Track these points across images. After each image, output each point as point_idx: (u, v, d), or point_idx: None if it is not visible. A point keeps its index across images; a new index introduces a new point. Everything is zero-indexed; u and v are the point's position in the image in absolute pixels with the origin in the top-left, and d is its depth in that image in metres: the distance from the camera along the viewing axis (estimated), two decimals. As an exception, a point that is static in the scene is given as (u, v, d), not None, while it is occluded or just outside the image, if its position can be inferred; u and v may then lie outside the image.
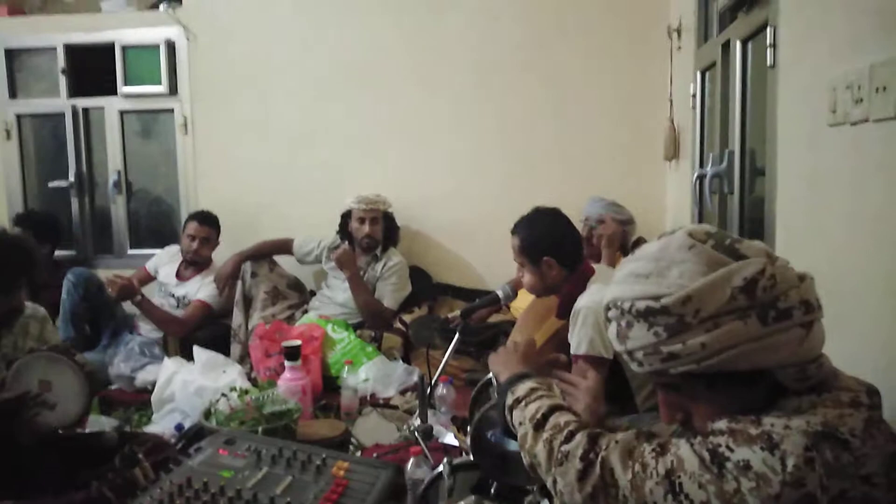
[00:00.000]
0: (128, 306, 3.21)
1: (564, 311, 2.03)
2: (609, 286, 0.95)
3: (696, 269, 0.85)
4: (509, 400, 1.16)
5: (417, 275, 3.53)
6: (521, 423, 1.09)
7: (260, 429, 1.93)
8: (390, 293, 3.27)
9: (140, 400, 2.70)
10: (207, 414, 2.12)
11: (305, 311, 3.29)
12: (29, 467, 1.79)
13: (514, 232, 2.11)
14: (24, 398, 1.78)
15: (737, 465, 0.78)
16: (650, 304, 0.86)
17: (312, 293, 3.52)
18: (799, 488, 0.75)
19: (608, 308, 0.94)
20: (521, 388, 1.15)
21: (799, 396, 0.85)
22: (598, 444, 0.94)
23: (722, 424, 0.83)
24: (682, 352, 0.84)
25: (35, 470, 1.79)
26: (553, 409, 1.06)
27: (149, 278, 3.49)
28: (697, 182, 2.46)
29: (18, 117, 3.96)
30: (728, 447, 0.80)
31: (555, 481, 0.96)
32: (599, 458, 0.91)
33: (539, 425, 1.04)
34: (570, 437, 0.97)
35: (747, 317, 0.82)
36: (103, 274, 3.23)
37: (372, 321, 3.19)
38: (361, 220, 3.30)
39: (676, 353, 0.85)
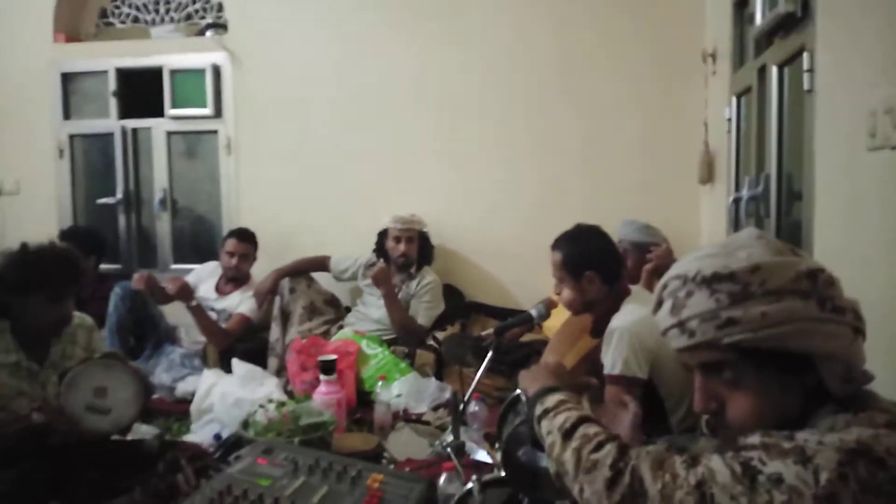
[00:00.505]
0: (172, 317, 3.32)
1: (598, 329, 2.03)
2: (672, 267, 0.98)
3: (764, 253, 0.90)
4: (538, 411, 1.14)
5: (451, 293, 3.56)
6: (549, 433, 1.08)
7: (297, 440, 1.97)
8: (424, 311, 3.31)
9: (180, 410, 2.77)
10: (245, 424, 2.16)
11: (341, 327, 3.34)
12: (73, 472, 1.85)
13: (555, 247, 2.09)
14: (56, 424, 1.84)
15: (769, 478, 0.78)
16: (718, 270, 0.89)
17: (348, 309, 3.58)
18: (832, 503, 0.74)
19: (665, 286, 0.96)
20: (551, 400, 1.14)
21: (834, 415, 0.84)
22: (628, 454, 0.93)
23: (755, 439, 0.83)
24: (742, 318, 0.86)
25: (79, 474, 1.86)
26: (582, 420, 1.05)
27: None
28: (733, 205, 2.46)
29: (71, 137, 4.14)
30: (760, 460, 0.80)
31: (581, 489, 0.95)
32: (629, 467, 0.90)
33: (568, 434, 1.03)
34: (599, 447, 0.97)
35: (808, 299, 0.86)
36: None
37: (406, 338, 3.23)
38: (397, 239, 3.36)
39: (736, 320, 0.87)
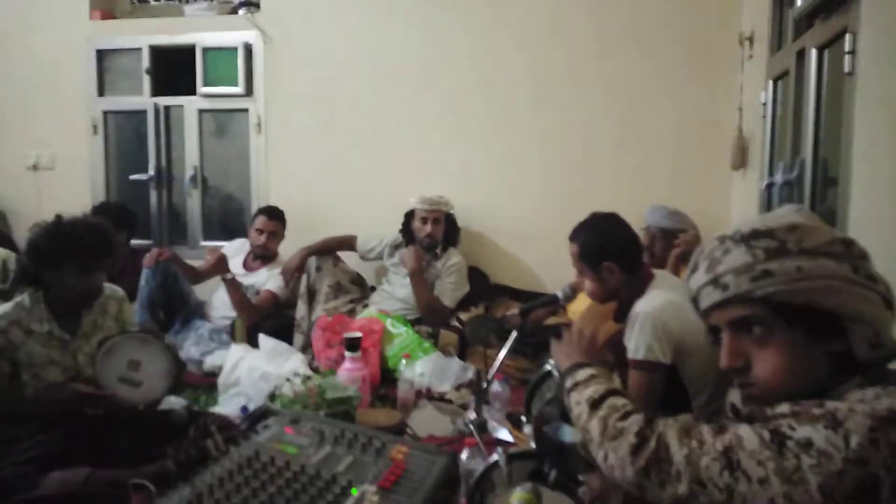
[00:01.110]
0: (200, 293, 3.38)
1: (622, 314, 2.02)
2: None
3: (802, 218, 0.92)
4: (569, 383, 1.17)
5: (476, 275, 3.57)
6: (577, 403, 1.10)
7: (322, 412, 2.00)
8: (449, 291, 3.33)
9: (207, 383, 2.82)
10: (272, 397, 2.21)
11: (366, 306, 3.36)
12: (105, 439, 1.90)
13: (572, 239, 2.06)
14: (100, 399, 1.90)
15: (798, 442, 0.78)
16: (757, 227, 0.92)
17: (373, 289, 3.60)
18: (862, 467, 0.74)
19: (702, 250, 0.98)
20: (582, 374, 1.17)
21: (862, 389, 0.84)
22: (655, 422, 0.94)
23: (784, 408, 0.83)
24: (777, 271, 0.88)
25: (110, 441, 1.91)
26: (611, 392, 1.07)
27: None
28: (766, 191, 2.42)
29: (105, 114, 4.20)
30: (790, 426, 0.80)
31: (606, 455, 0.96)
32: (655, 434, 0.91)
33: (595, 404, 1.05)
34: (626, 416, 0.98)
35: (842, 261, 0.88)
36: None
37: (430, 317, 3.24)
38: (424, 220, 3.37)
39: (771, 272, 0.88)
